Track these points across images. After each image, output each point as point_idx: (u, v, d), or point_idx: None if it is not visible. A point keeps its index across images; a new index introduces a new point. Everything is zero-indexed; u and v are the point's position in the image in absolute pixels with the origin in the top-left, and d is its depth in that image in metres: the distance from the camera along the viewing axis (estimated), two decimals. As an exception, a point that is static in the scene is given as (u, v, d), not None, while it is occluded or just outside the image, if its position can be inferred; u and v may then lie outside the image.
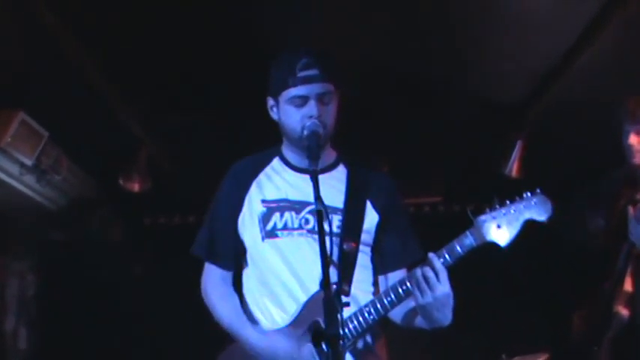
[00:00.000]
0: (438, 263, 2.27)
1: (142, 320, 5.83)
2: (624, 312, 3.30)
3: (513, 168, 4.96)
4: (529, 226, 2.38)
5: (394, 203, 2.56)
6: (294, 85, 2.40)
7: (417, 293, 2.28)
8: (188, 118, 4.70)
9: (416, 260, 2.49)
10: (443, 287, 2.26)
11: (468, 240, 2.33)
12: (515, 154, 4.93)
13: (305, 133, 2.37)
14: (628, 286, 3.29)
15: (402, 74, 4.21)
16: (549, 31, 3.77)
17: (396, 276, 2.50)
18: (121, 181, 5.08)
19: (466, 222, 2.49)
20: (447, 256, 2.31)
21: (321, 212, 2.13)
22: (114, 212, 5.83)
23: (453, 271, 2.34)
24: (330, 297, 2.02)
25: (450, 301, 2.30)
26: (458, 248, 2.32)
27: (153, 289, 5.88)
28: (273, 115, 2.51)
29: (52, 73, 3.98)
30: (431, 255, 2.30)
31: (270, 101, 2.51)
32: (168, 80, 4.20)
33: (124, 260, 6.04)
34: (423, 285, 2.26)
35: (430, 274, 2.26)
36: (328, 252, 2.20)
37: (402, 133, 5.00)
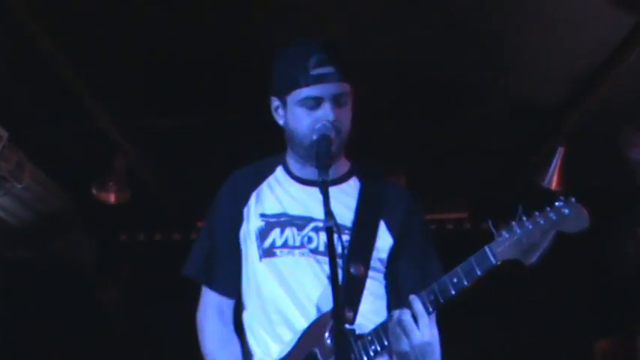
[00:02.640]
0: (417, 306, 2.25)
1: (117, 353, 5.83)
2: None
3: (553, 179, 4.94)
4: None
5: (412, 223, 2.55)
6: (307, 85, 2.38)
7: (392, 340, 2.27)
8: (172, 120, 4.70)
9: None
10: (421, 335, 2.23)
11: (488, 258, 2.30)
12: (555, 164, 4.91)
13: (314, 137, 2.36)
14: None
15: (422, 75, 4.22)
16: (595, 26, 3.78)
17: None
18: (94, 191, 5.08)
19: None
20: (462, 276, 2.29)
21: (332, 229, 2.13)
22: (85, 228, 5.84)
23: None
24: (341, 329, 2.03)
25: (435, 351, 2.28)
26: (475, 267, 2.29)
27: (130, 318, 5.88)
28: (278, 117, 2.49)
29: (14, 63, 3.96)
30: (412, 297, 2.28)
31: (275, 101, 2.49)
32: (149, 78, 4.24)
33: (97, 284, 6.04)
34: (398, 330, 2.25)
35: (406, 317, 2.25)
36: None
37: (422, 141, 5.00)
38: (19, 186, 4.74)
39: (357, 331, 2.35)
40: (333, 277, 2.09)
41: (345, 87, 2.42)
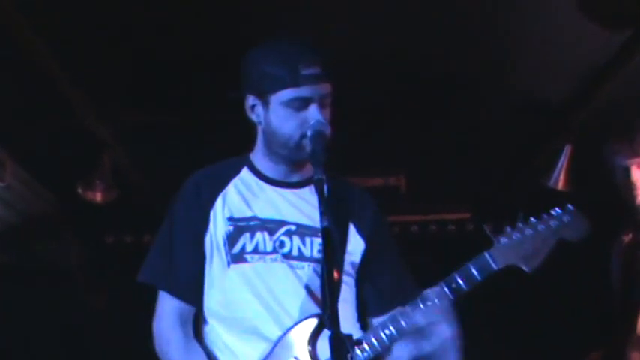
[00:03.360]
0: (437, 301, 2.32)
1: (105, 359, 5.80)
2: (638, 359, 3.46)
3: (559, 179, 4.94)
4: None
5: (382, 229, 2.59)
6: (297, 85, 2.37)
7: (410, 341, 2.34)
8: (161, 118, 4.69)
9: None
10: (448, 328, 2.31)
11: (488, 264, 2.36)
12: (562, 163, 4.91)
13: (308, 133, 2.35)
14: None
15: (422, 73, 4.21)
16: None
17: None
18: (80, 191, 5.06)
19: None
20: (460, 281, 2.33)
21: (328, 230, 2.13)
22: (70, 229, 5.82)
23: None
24: (338, 334, 2.02)
25: (456, 344, 2.35)
26: (475, 273, 2.34)
27: (117, 324, 5.85)
28: (253, 116, 2.48)
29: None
30: (428, 292, 2.34)
31: (252, 100, 2.47)
32: (137, 75, 4.24)
33: (82, 288, 6.01)
34: (420, 331, 2.32)
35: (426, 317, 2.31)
36: (308, 280, 2.33)
37: (423, 139, 4.99)
38: (1, 185, 4.72)
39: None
40: (328, 281, 2.10)
41: (329, 88, 2.43)
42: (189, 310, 2.48)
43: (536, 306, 5.90)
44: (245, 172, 2.55)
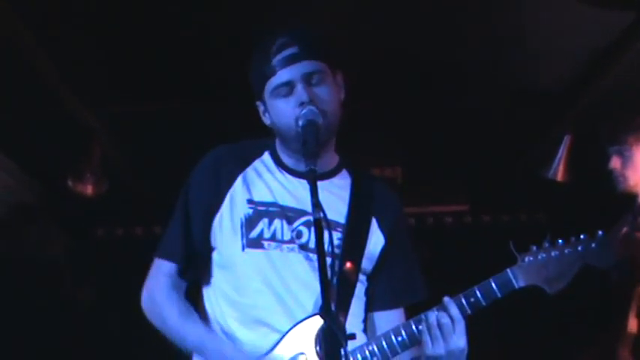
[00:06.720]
0: (454, 310, 2.33)
1: (91, 356, 5.81)
2: (629, 357, 3.49)
3: (559, 170, 4.96)
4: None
5: (401, 225, 2.61)
6: (273, 73, 2.39)
7: (428, 340, 2.33)
8: (152, 105, 4.69)
9: (420, 301, 2.55)
10: (458, 340, 2.32)
11: (510, 281, 2.38)
12: (562, 153, 4.93)
13: (300, 123, 2.34)
14: (632, 327, 3.49)
15: (418, 59, 4.21)
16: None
17: (390, 316, 2.53)
18: (70, 183, 5.06)
19: (497, 236, 2.50)
20: (479, 296, 2.36)
21: (320, 221, 2.12)
22: (58, 221, 5.82)
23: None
24: (331, 326, 2.02)
25: (463, 358, 2.35)
26: (495, 289, 2.37)
27: (106, 320, 5.86)
28: (266, 120, 2.50)
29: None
30: (447, 300, 2.35)
31: (260, 106, 2.50)
32: (126, 61, 4.21)
33: (70, 283, 6.01)
34: (436, 332, 2.32)
35: (446, 320, 2.32)
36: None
37: (420, 129, 5.00)
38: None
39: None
40: (321, 273, 2.08)
41: (316, 65, 2.41)
42: (181, 282, 2.51)
43: (529, 302, 5.89)
44: (267, 156, 2.56)
